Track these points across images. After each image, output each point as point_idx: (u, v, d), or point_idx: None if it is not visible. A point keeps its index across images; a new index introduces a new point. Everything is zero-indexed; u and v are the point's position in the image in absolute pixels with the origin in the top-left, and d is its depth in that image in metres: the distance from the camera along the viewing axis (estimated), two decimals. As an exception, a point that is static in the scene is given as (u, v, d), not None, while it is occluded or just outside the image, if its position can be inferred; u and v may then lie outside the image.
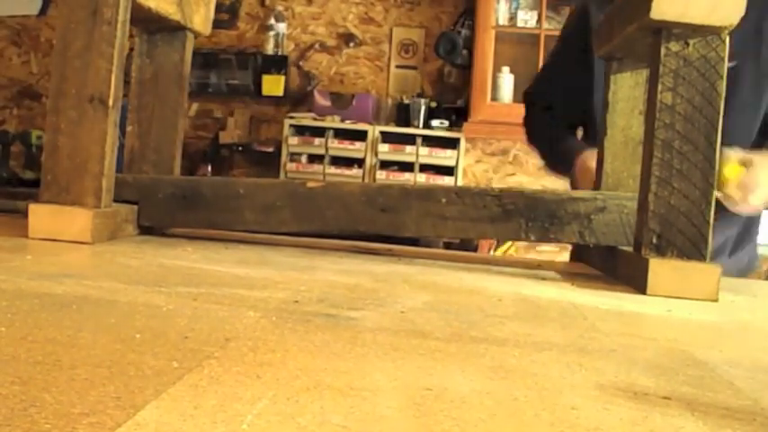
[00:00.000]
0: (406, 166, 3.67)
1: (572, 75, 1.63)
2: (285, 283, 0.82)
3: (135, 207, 1.11)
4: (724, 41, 0.98)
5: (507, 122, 3.51)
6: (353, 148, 3.73)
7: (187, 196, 1.13)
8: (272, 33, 4.05)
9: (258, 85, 4.03)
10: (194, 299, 0.67)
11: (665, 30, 0.98)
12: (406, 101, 3.82)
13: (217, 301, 0.67)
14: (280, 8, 4.10)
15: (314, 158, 3.78)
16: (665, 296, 0.94)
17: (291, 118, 3.85)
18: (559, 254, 3.54)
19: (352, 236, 1.38)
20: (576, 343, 0.63)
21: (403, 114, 3.80)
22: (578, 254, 1.33)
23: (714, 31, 0.97)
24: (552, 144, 1.69)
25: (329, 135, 3.75)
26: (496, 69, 3.55)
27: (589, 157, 1.45)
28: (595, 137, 1.50)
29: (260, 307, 0.67)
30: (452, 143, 3.65)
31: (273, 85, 4.02)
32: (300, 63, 4.13)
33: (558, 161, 1.66)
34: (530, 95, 1.81)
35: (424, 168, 3.66)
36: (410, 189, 1.14)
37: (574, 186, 1.56)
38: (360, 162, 3.73)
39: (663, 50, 0.99)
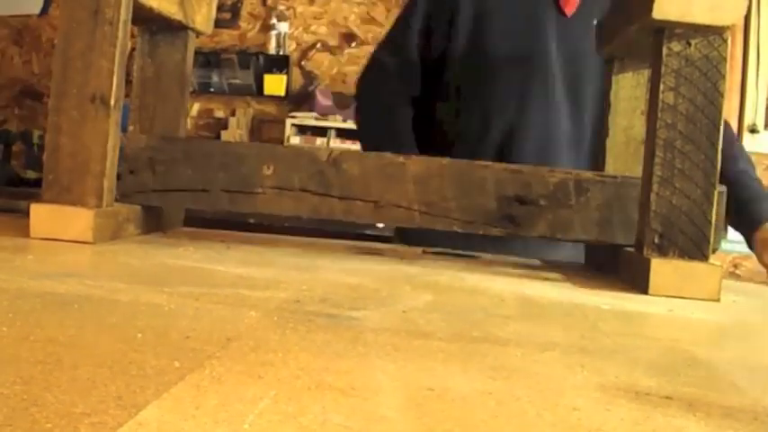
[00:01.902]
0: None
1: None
2: (287, 283, 0.82)
3: (137, 207, 1.11)
4: (726, 41, 0.98)
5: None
6: (356, 148, 3.73)
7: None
8: (273, 33, 4.06)
9: (260, 84, 4.04)
10: (196, 298, 0.67)
11: (666, 29, 0.98)
12: (408, 100, 3.81)
13: (218, 301, 0.68)
14: (282, 8, 4.10)
15: (315, 158, 3.78)
16: (667, 296, 0.94)
17: (293, 118, 3.85)
18: (561, 254, 3.53)
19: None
20: (577, 343, 0.63)
21: (404, 114, 3.79)
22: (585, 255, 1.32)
23: (716, 30, 0.97)
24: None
25: (331, 135, 3.76)
26: (498, 69, 3.55)
27: None
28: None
29: (262, 307, 0.67)
30: (454, 143, 3.64)
31: (275, 84, 4.03)
32: (302, 63, 4.13)
33: None
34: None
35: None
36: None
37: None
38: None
39: (664, 50, 0.99)
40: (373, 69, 1.60)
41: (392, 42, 1.56)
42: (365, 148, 1.56)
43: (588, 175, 1.09)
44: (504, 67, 1.41)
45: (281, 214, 1.10)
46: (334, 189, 1.09)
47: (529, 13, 1.40)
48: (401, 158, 1.09)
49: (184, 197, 1.11)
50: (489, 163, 1.12)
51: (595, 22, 1.42)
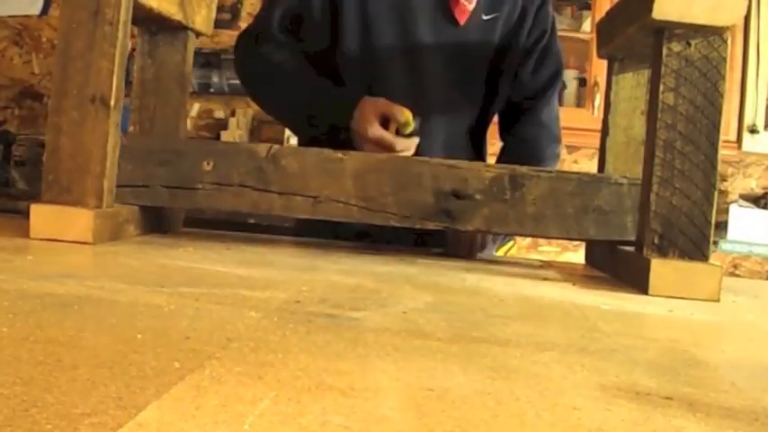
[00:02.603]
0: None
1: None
2: (287, 284, 0.82)
3: (136, 208, 1.11)
4: (726, 41, 0.98)
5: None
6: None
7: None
8: (273, 33, 4.05)
9: (260, 85, 4.03)
10: (196, 299, 0.67)
11: (666, 30, 0.98)
12: (408, 101, 3.80)
13: (218, 302, 0.68)
14: (281, 8, 4.10)
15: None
16: (667, 296, 0.94)
17: (293, 118, 3.84)
18: (561, 254, 3.54)
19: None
20: (577, 343, 0.63)
21: (404, 114, 3.79)
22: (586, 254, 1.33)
23: (716, 31, 0.97)
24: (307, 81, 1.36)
25: (331, 135, 3.75)
26: (498, 69, 3.54)
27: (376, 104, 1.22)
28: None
29: (261, 307, 0.67)
30: (454, 143, 3.63)
31: (275, 85, 4.01)
32: (302, 63, 4.12)
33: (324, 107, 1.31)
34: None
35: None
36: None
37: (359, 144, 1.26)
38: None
39: (664, 51, 0.99)
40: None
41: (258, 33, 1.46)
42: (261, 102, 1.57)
43: (523, 170, 1.09)
44: (394, 73, 1.37)
45: (220, 209, 1.11)
46: (273, 184, 1.09)
47: (415, 19, 1.35)
48: (340, 154, 1.10)
49: (124, 193, 1.10)
50: (427, 158, 1.12)
51: (488, 17, 1.39)
